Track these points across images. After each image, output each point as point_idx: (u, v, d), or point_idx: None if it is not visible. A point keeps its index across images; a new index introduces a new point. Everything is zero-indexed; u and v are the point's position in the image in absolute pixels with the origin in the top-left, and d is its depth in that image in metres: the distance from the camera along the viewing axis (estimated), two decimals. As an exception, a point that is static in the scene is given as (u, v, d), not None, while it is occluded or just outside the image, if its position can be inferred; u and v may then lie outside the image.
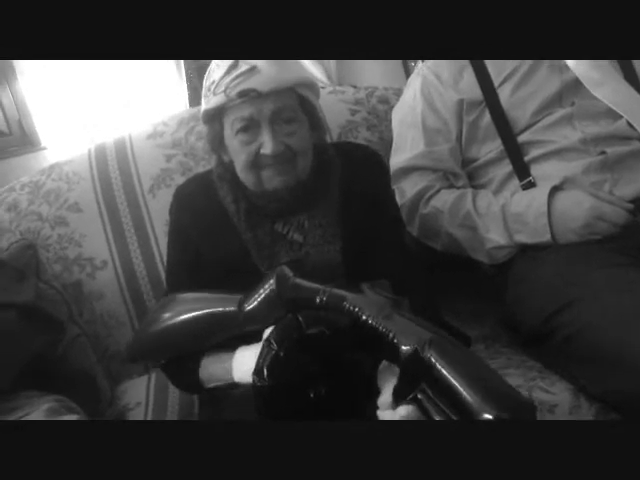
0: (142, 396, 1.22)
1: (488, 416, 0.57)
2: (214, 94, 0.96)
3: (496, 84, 1.24)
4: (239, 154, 0.98)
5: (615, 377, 0.89)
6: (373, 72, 2.87)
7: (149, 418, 1.17)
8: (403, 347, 0.63)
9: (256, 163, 0.97)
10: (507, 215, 1.14)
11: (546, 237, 1.10)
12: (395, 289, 0.76)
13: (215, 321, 0.80)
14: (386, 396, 0.66)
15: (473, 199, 1.20)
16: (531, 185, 1.17)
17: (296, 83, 0.97)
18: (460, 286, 1.33)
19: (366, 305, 0.66)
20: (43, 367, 1.12)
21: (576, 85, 1.19)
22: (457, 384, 0.60)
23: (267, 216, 1.01)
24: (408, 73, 2.78)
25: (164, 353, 0.98)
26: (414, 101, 1.32)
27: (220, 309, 0.79)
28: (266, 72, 0.93)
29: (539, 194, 1.12)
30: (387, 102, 1.50)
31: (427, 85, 1.30)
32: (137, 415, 1.18)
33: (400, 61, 2.93)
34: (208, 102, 0.98)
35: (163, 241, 1.26)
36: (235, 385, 0.88)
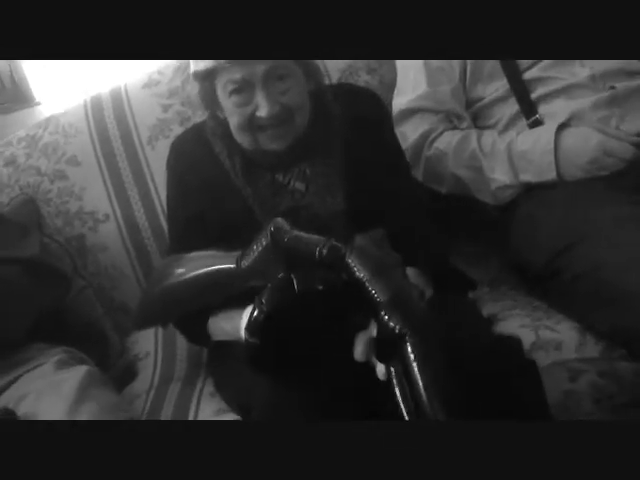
0: (151, 346, 1.24)
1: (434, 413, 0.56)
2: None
3: None
4: (233, 115, 0.95)
5: (623, 314, 0.89)
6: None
7: (158, 368, 1.19)
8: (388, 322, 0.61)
9: (251, 125, 0.94)
10: (513, 153, 1.13)
11: (552, 175, 1.08)
12: (400, 236, 0.74)
13: (215, 279, 0.79)
14: (360, 348, 0.65)
15: (478, 139, 1.18)
16: (538, 123, 1.14)
17: None
18: (465, 229, 1.33)
19: (364, 261, 0.64)
20: (52, 320, 1.13)
21: None
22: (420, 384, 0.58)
23: (265, 169, 0.99)
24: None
25: (170, 314, 0.97)
26: (416, 40, 1.29)
27: (219, 267, 0.78)
28: None
29: (545, 132, 1.10)
30: (388, 43, 1.46)
31: None
32: (147, 365, 1.20)
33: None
34: (197, 64, 0.95)
35: (164, 192, 1.24)
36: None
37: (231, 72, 0.91)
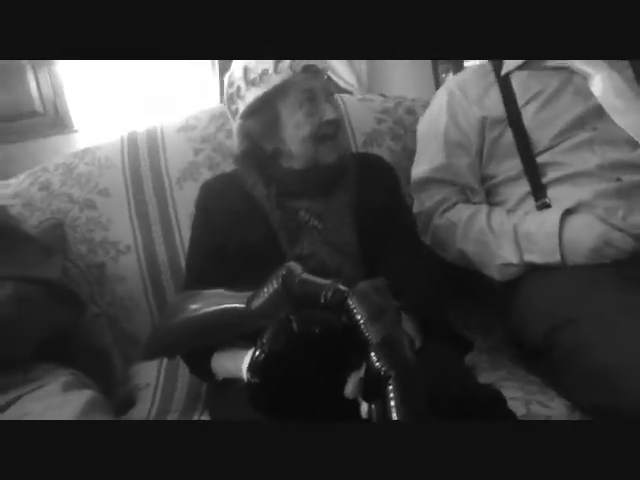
0: (152, 378, 1.27)
1: None
2: (275, 73, 1.05)
3: (520, 104, 1.27)
4: (303, 126, 1.07)
5: (605, 393, 0.92)
6: (403, 81, 2.91)
7: (157, 399, 1.21)
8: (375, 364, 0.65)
9: (319, 134, 1.07)
10: (519, 234, 1.17)
11: (555, 258, 1.12)
12: (402, 288, 0.79)
13: (226, 318, 0.84)
14: (350, 386, 0.69)
15: (488, 215, 1.23)
16: (546, 206, 1.19)
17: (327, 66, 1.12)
18: (472, 297, 1.37)
19: (363, 305, 0.69)
20: (62, 342, 1.17)
21: (599, 111, 1.21)
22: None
23: (293, 200, 1.09)
24: (438, 85, 2.81)
25: (180, 348, 1.02)
26: (439, 114, 1.36)
27: (230, 306, 0.83)
28: None
29: (552, 216, 1.15)
30: (414, 113, 1.53)
31: (453, 100, 1.34)
32: (146, 395, 1.23)
33: (431, 72, 2.97)
34: (266, 84, 1.06)
35: (186, 232, 1.30)
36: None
37: (302, 84, 1.05)
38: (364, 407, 0.68)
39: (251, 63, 1.08)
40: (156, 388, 1.25)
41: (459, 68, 2.67)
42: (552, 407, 0.99)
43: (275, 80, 1.05)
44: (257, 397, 0.71)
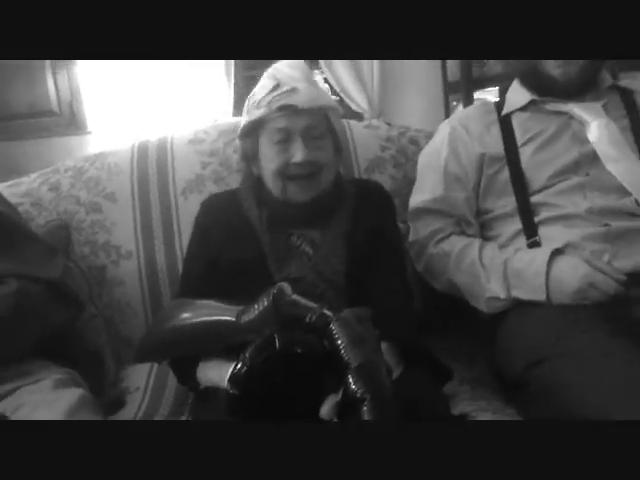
0: (142, 382, 1.30)
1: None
2: (257, 108, 1.08)
3: (519, 143, 1.31)
4: (271, 162, 1.10)
5: None
6: (414, 108, 2.95)
7: (145, 403, 1.25)
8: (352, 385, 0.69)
9: (285, 173, 1.09)
10: (508, 270, 1.20)
11: (542, 296, 1.15)
12: (381, 315, 0.82)
13: (215, 329, 0.88)
14: (326, 408, 0.73)
15: (480, 249, 1.26)
16: (536, 244, 1.23)
17: (327, 107, 1.11)
18: (458, 328, 1.40)
19: (345, 330, 0.73)
20: (59, 341, 1.20)
21: (593, 157, 1.25)
22: None
23: (285, 226, 1.12)
24: (448, 114, 2.86)
25: (169, 352, 1.07)
26: (441, 147, 1.40)
27: (221, 318, 0.86)
28: (304, 93, 1.07)
29: (540, 255, 1.18)
30: (417, 144, 1.57)
31: (455, 134, 1.38)
32: (135, 398, 1.26)
33: (442, 101, 3.01)
34: (251, 115, 1.10)
35: (186, 242, 1.32)
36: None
37: (278, 122, 1.07)
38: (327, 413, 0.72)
39: (259, 87, 1.12)
40: (145, 392, 1.28)
41: (469, 102, 2.73)
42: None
43: (257, 113, 1.09)
44: (235, 409, 0.75)
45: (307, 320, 0.75)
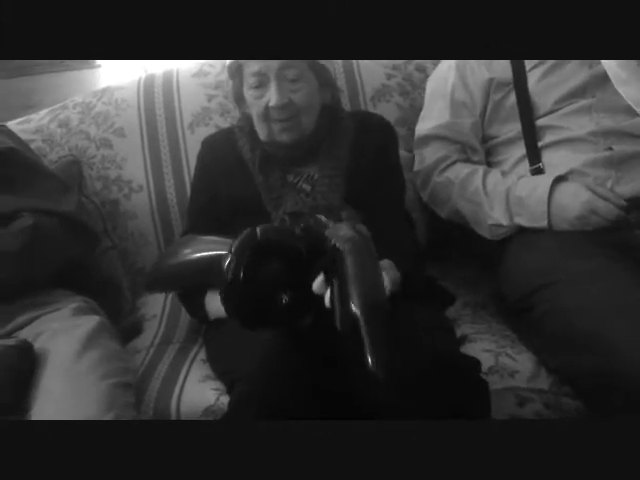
0: (159, 309, 1.36)
1: (354, 308, 0.64)
2: None
3: (527, 68, 1.29)
4: (253, 107, 1.11)
5: (573, 354, 0.99)
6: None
7: (161, 330, 1.30)
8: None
9: (266, 116, 1.09)
10: (510, 197, 1.21)
11: (543, 223, 1.17)
12: (380, 243, 0.85)
13: (211, 262, 0.91)
14: (318, 281, 0.78)
15: (483, 176, 1.27)
16: (539, 171, 1.23)
17: None
18: (461, 254, 1.42)
19: (339, 228, 0.76)
20: (76, 272, 1.24)
21: (602, 79, 1.22)
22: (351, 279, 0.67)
23: (279, 164, 1.13)
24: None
25: (172, 286, 1.13)
26: (448, 73, 1.38)
27: (216, 252, 0.90)
28: None
29: (543, 182, 1.18)
30: (424, 71, 1.54)
31: (462, 60, 1.36)
32: (151, 325, 1.32)
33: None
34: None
35: (194, 174, 1.37)
36: None
37: (253, 64, 1.07)
38: (327, 297, 0.75)
39: None
40: (161, 319, 1.34)
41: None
42: (519, 361, 1.06)
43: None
44: (229, 298, 0.79)
45: (303, 225, 0.79)
